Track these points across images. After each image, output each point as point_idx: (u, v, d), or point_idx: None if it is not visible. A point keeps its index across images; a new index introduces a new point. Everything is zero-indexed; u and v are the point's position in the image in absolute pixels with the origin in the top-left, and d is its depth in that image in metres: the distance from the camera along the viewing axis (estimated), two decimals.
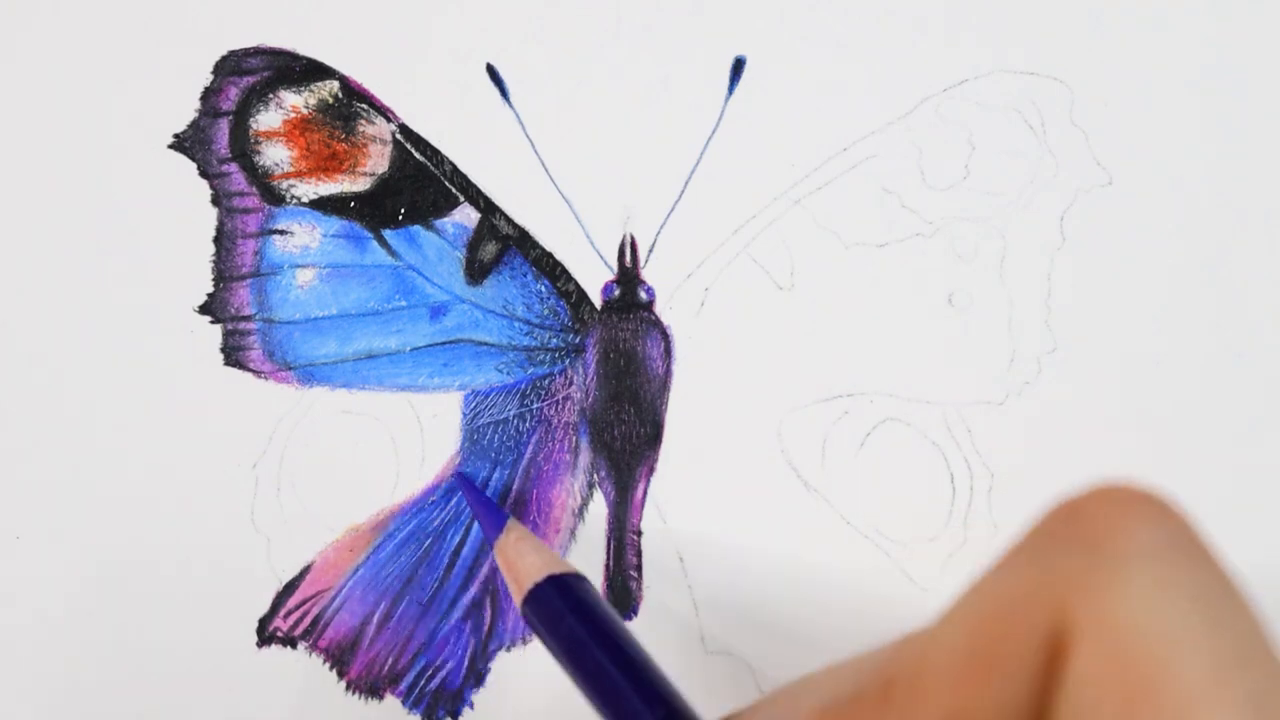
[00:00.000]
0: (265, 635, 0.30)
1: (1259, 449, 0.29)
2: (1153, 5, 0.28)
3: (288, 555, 0.30)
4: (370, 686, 0.30)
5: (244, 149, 0.29)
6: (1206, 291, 0.28)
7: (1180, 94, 0.28)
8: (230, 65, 0.29)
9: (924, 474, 0.29)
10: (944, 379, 0.29)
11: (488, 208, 0.29)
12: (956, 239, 0.29)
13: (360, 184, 0.29)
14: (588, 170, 0.29)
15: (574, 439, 0.30)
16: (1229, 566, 0.17)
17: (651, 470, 0.29)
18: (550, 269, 0.29)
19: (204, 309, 0.29)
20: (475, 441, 0.30)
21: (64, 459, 0.30)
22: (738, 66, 0.29)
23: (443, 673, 0.30)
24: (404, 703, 0.30)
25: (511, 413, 0.30)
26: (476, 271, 0.29)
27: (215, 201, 0.29)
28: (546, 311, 0.29)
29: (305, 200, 0.29)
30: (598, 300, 0.29)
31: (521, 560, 0.26)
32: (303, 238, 0.29)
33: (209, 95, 0.29)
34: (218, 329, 0.29)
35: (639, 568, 0.30)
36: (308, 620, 0.30)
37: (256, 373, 0.29)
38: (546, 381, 0.30)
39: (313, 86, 0.29)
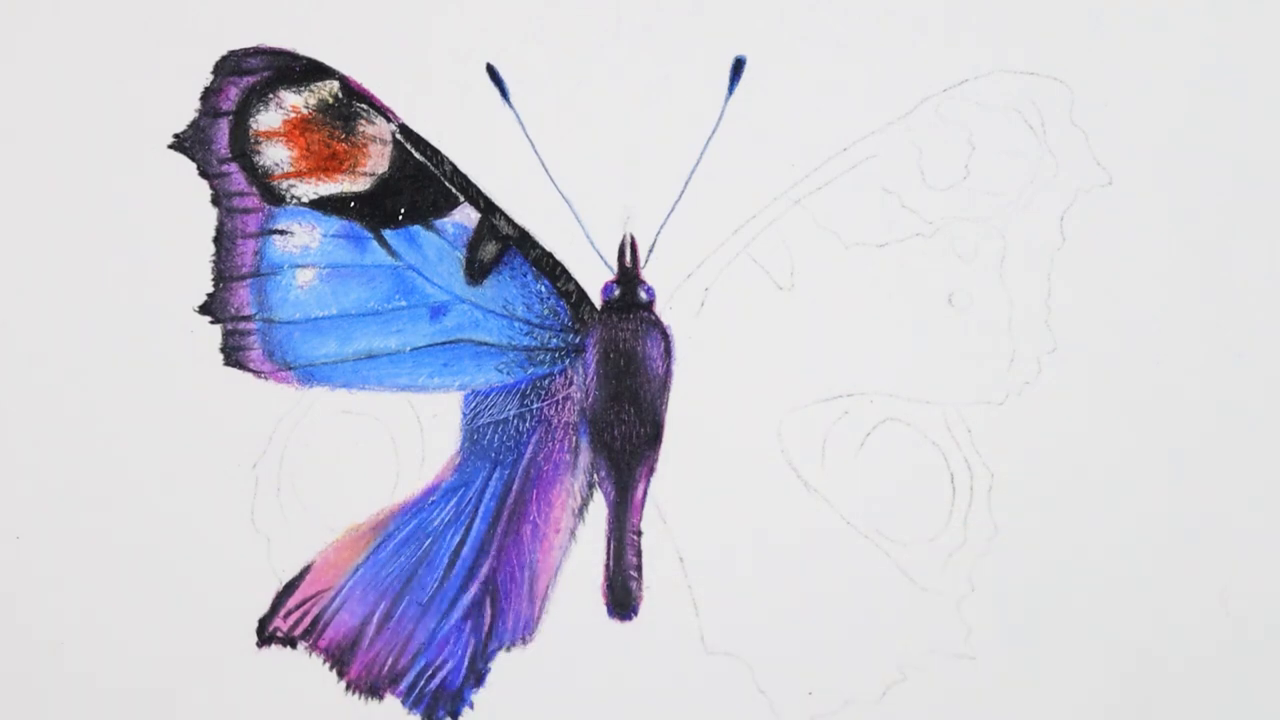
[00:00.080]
0: (265, 635, 0.30)
1: (1259, 449, 0.29)
2: (1153, 5, 0.28)
3: (288, 555, 0.30)
4: (370, 686, 0.30)
5: (244, 149, 0.29)
6: (1206, 291, 0.29)
7: (1180, 94, 0.28)
8: (230, 65, 0.29)
9: (924, 474, 0.29)
10: (944, 379, 0.29)
11: (488, 208, 0.29)
12: (956, 239, 0.29)
13: (360, 184, 0.29)
14: (588, 170, 0.29)
15: (574, 439, 0.30)
16: None
17: (651, 470, 0.29)
18: (550, 269, 0.29)
19: (204, 309, 0.29)
20: (475, 441, 0.30)
21: (64, 459, 0.30)
22: (738, 66, 0.29)
23: (443, 673, 0.30)
24: (404, 703, 0.30)
25: (511, 413, 0.30)
26: (476, 271, 0.29)
27: (215, 201, 0.29)
28: (546, 311, 0.29)
29: (305, 200, 0.29)
30: (598, 300, 0.29)
31: None
32: (303, 238, 0.29)
33: (209, 95, 0.29)
34: (218, 329, 0.29)
35: (639, 568, 0.30)
36: (308, 620, 0.30)
37: (256, 373, 0.29)
38: (546, 381, 0.30)
39: (313, 86, 0.29)
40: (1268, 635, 0.29)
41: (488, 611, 0.30)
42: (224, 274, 0.29)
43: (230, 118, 0.29)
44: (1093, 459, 0.29)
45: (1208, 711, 0.29)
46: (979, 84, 0.29)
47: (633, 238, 0.29)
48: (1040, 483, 0.29)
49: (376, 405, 0.29)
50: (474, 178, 0.29)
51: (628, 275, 0.29)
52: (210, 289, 0.29)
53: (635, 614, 0.30)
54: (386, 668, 0.30)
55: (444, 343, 0.29)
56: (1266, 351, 0.29)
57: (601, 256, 0.29)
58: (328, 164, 0.29)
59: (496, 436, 0.30)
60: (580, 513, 0.30)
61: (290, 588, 0.30)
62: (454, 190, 0.29)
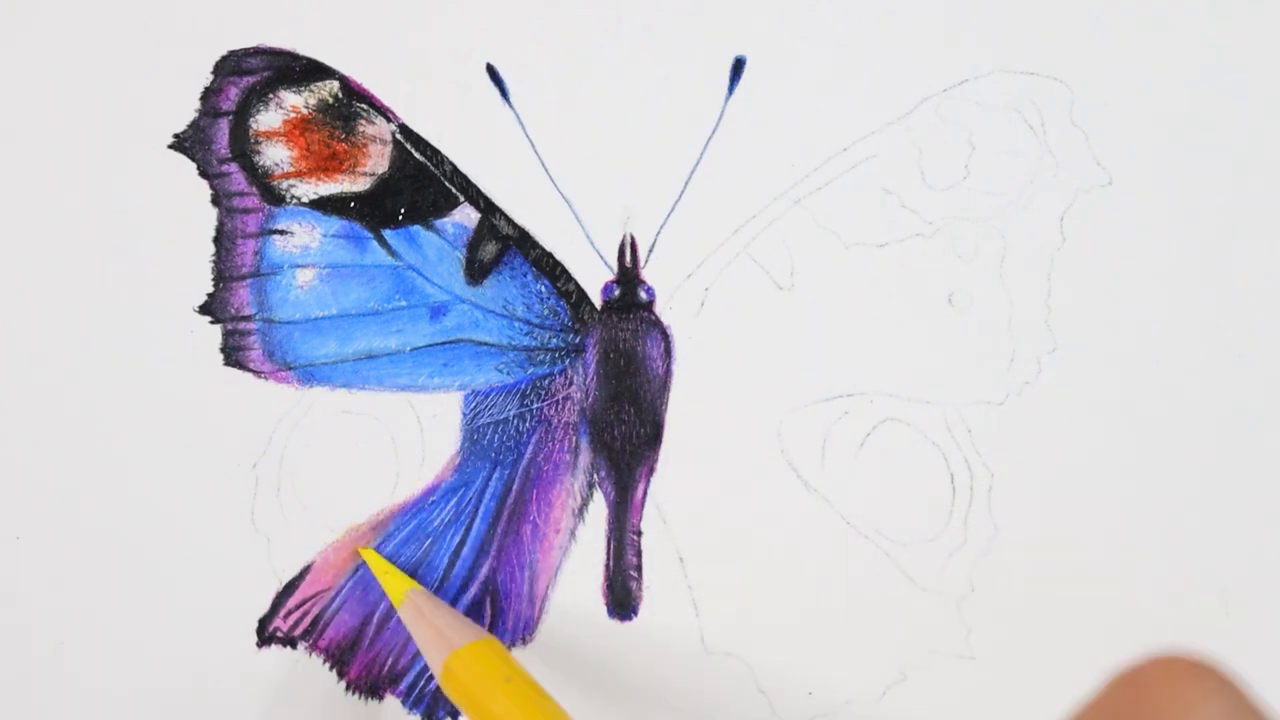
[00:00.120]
0: (265, 635, 0.30)
1: (1259, 449, 0.29)
2: (1153, 5, 0.28)
3: (288, 555, 0.30)
4: (370, 686, 0.30)
5: (244, 149, 0.29)
6: (1206, 291, 0.28)
7: (1180, 94, 0.28)
8: (230, 65, 0.29)
9: (924, 474, 0.29)
10: (944, 379, 0.29)
11: (488, 208, 0.29)
12: (956, 239, 0.29)
13: (360, 184, 0.29)
14: (588, 170, 0.29)
15: (574, 439, 0.30)
16: None
17: (651, 470, 0.29)
18: (550, 269, 0.29)
19: (204, 309, 0.29)
20: (475, 441, 0.30)
21: (64, 459, 0.30)
22: (738, 66, 0.29)
23: None
24: (404, 703, 0.30)
25: (511, 413, 0.30)
26: (476, 271, 0.29)
27: (215, 201, 0.29)
28: (546, 311, 0.29)
29: (305, 200, 0.29)
30: (598, 300, 0.29)
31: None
32: (303, 238, 0.29)
33: (209, 95, 0.29)
34: (218, 329, 0.29)
35: (639, 568, 0.30)
36: (308, 620, 0.30)
37: (256, 373, 0.29)
38: (546, 381, 0.30)
39: (313, 86, 0.29)
40: (1268, 635, 0.29)
41: (488, 611, 0.30)
42: (224, 274, 0.29)
43: (230, 118, 0.29)
44: (1093, 459, 0.29)
45: None
46: (979, 84, 0.29)
47: (633, 238, 0.29)
48: (1040, 483, 0.29)
49: (376, 405, 0.29)
50: (474, 178, 0.29)
51: (628, 275, 0.29)
52: (210, 289, 0.29)
53: (635, 614, 0.30)
54: (386, 668, 0.30)
55: (444, 343, 0.29)
56: (1266, 351, 0.29)
57: (601, 256, 0.29)
58: (328, 164, 0.29)
59: (496, 436, 0.30)
60: (580, 513, 0.30)
61: (290, 588, 0.30)
62: (454, 190, 0.29)
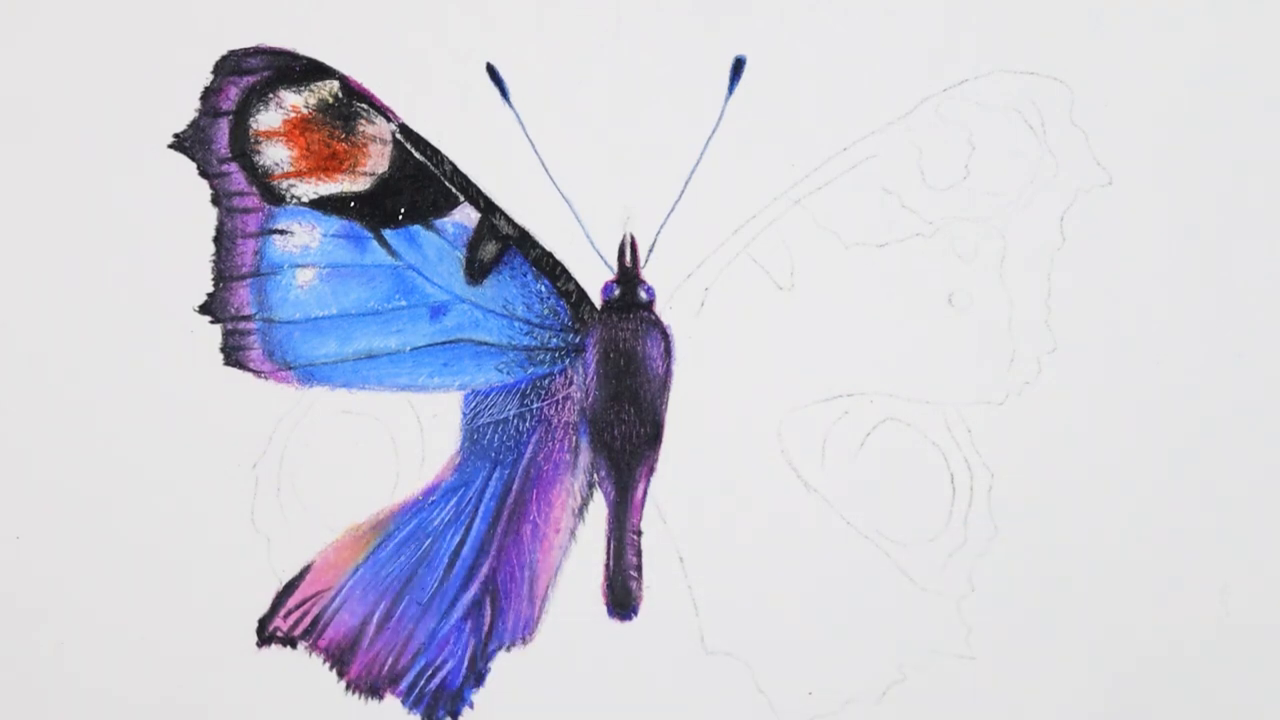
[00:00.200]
0: (265, 635, 0.30)
1: (1259, 449, 0.29)
2: (1153, 5, 0.28)
3: (288, 555, 0.30)
4: (370, 686, 0.30)
5: (244, 149, 0.29)
6: (1206, 291, 0.28)
7: (1180, 94, 0.28)
8: (230, 65, 0.29)
9: (924, 474, 0.29)
10: (944, 379, 0.29)
11: (488, 208, 0.29)
12: (956, 239, 0.29)
13: (360, 184, 0.29)
14: (588, 170, 0.29)
15: (574, 439, 0.30)
16: None
17: (651, 470, 0.29)
18: (550, 269, 0.29)
19: (204, 309, 0.29)
20: (475, 441, 0.30)
21: (64, 459, 0.30)
22: (738, 66, 0.29)
23: (443, 673, 0.30)
24: (404, 703, 0.30)
25: (511, 413, 0.30)
26: (476, 271, 0.29)
27: (215, 201, 0.29)
28: (546, 311, 0.29)
29: (305, 200, 0.29)
30: (598, 300, 0.29)
31: None
32: (303, 237, 0.29)
33: (209, 95, 0.29)
34: (218, 329, 0.29)
35: (639, 568, 0.30)
36: (308, 620, 0.30)
37: (256, 373, 0.29)
38: (546, 381, 0.30)
39: (313, 86, 0.29)
40: (1268, 635, 0.29)
41: (488, 611, 0.30)
42: (224, 274, 0.29)
43: (230, 117, 0.29)
44: (1093, 459, 0.29)
45: (1208, 712, 0.29)
46: (979, 84, 0.29)
47: (633, 238, 0.29)
48: (1040, 483, 0.29)
49: (376, 405, 0.29)
50: (474, 178, 0.29)
51: (628, 275, 0.29)
52: (210, 289, 0.29)
53: (635, 614, 0.30)
54: (386, 668, 0.30)
55: (444, 342, 0.29)
56: (1266, 351, 0.29)
57: (601, 256, 0.29)
58: (328, 164, 0.29)
59: (496, 436, 0.30)
60: (580, 513, 0.30)
61: (290, 588, 0.30)
62: (454, 190, 0.29)
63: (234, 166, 0.29)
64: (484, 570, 0.30)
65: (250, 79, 0.29)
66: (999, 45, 0.29)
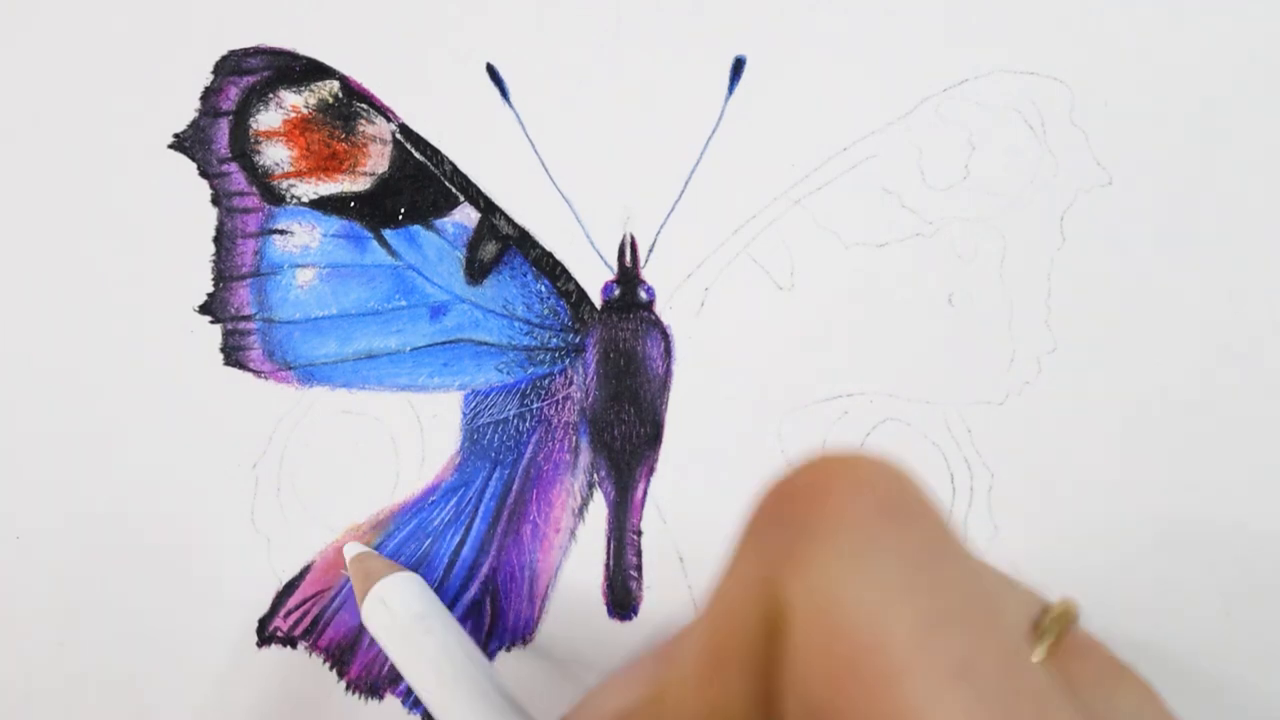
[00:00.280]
0: (265, 635, 0.30)
1: (1259, 449, 0.29)
2: (1153, 5, 0.28)
3: (288, 555, 0.30)
4: (370, 686, 0.30)
5: (244, 149, 0.29)
6: (1206, 291, 0.28)
7: (1180, 94, 0.28)
8: (230, 65, 0.29)
9: (924, 474, 0.29)
10: (944, 379, 0.29)
11: (488, 208, 0.29)
12: (956, 239, 0.29)
13: (360, 184, 0.29)
14: (588, 170, 0.29)
15: (574, 439, 0.30)
16: (947, 525, 0.16)
17: (651, 470, 0.29)
18: (550, 269, 0.29)
19: (204, 309, 0.29)
20: (475, 441, 0.30)
21: (64, 459, 0.30)
22: (738, 66, 0.29)
23: None
24: (404, 703, 0.30)
25: (511, 413, 0.30)
26: (476, 271, 0.29)
27: (215, 201, 0.29)
28: (546, 311, 0.29)
29: (305, 200, 0.29)
30: (598, 300, 0.29)
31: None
32: (303, 237, 0.29)
33: (209, 95, 0.29)
34: (218, 329, 0.29)
35: (639, 568, 0.30)
36: (308, 620, 0.30)
37: (256, 373, 0.29)
38: (546, 381, 0.30)
39: (313, 86, 0.29)
40: (1268, 636, 0.29)
41: (487, 611, 0.30)
42: (224, 274, 0.29)
43: (230, 117, 0.29)
44: (1093, 459, 0.29)
45: (1208, 712, 0.29)
46: (979, 84, 0.29)
47: (633, 238, 0.29)
48: (1040, 483, 0.29)
49: (376, 405, 0.29)
50: (474, 178, 0.29)
51: (628, 275, 0.29)
52: (210, 289, 0.29)
53: (635, 614, 0.30)
54: (386, 668, 0.30)
55: (444, 342, 0.29)
56: (1266, 351, 0.29)
57: (601, 256, 0.29)
58: (328, 164, 0.29)
59: (496, 436, 0.30)
60: (580, 513, 0.30)
61: (290, 588, 0.30)
62: (454, 190, 0.29)
63: (234, 166, 0.29)
64: (484, 570, 0.30)
65: (250, 79, 0.29)
66: (999, 45, 0.29)
